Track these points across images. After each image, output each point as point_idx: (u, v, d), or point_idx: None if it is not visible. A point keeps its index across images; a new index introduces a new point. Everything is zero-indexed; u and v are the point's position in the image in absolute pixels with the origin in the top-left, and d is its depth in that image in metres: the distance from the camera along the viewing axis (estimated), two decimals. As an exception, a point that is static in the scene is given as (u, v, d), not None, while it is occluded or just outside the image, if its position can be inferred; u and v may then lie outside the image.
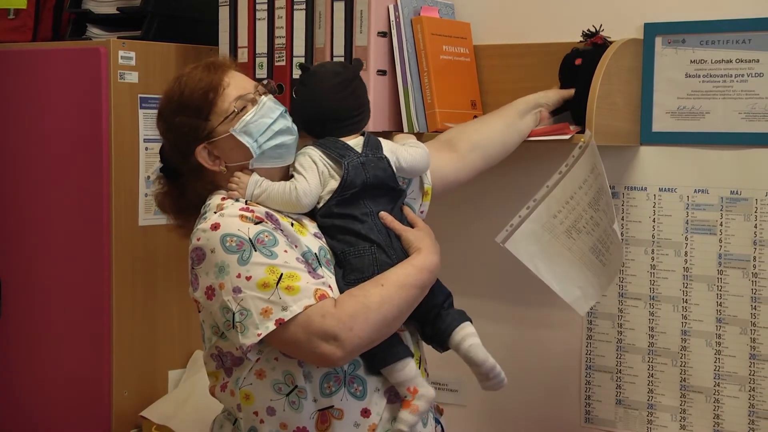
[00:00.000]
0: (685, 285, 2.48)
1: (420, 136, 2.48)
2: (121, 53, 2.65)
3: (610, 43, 2.39)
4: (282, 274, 1.92)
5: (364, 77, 2.20)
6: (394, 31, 2.49)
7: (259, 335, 1.91)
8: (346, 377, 2.01)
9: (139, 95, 2.69)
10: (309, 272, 1.96)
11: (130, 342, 2.70)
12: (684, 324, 2.48)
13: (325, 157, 2.09)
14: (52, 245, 2.76)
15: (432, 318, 2.10)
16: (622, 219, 2.53)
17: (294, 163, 2.11)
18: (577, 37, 2.43)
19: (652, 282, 2.52)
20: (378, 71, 2.48)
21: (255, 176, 2.07)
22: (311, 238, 2.05)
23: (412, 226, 2.12)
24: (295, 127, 2.12)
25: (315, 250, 2.03)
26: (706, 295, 2.45)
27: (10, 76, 2.80)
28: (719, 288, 2.44)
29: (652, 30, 2.46)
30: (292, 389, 1.99)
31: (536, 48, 2.55)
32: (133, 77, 2.68)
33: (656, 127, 2.48)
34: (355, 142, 2.12)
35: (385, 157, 2.12)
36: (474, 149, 2.36)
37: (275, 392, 2.00)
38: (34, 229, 2.79)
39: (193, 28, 2.83)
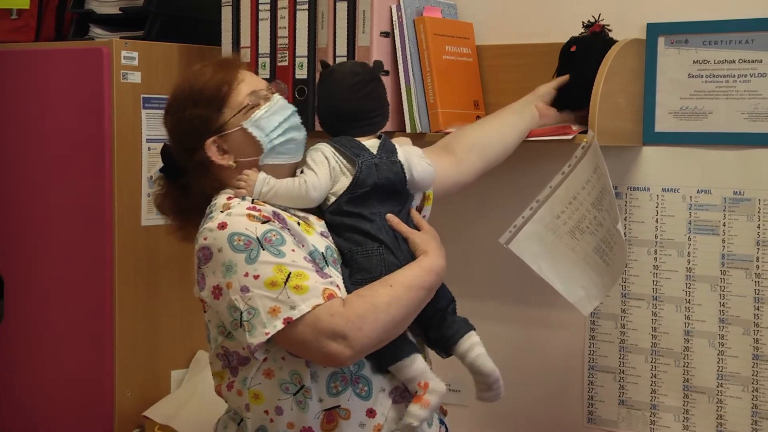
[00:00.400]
0: (688, 285, 2.48)
1: (422, 136, 2.48)
2: (123, 53, 2.65)
3: (609, 31, 2.39)
4: (290, 273, 1.92)
5: (366, 77, 2.20)
6: (396, 32, 2.49)
7: (266, 334, 1.91)
8: (352, 377, 2.01)
9: (142, 95, 2.69)
10: (317, 271, 1.96)
11: (132, 342, 2.70)
12: (687, 324, 2.48)
13: (337, 154, 2.09)
14: (54, 245, 2.76)
15: (436, 323, 2.10)
16: (625, 219, 2.53)
17: (305, 158, 2.12)
18: (580, 38, 2.44)
19: (655, 282, 2.52)
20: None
21: (263, 174, 2.07)
22: (318, 237, 2.05)
23: (418, 229, 2.12)
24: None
25: (321, 249, 2.03)
26: (709, 296, 2.45)
27: (12, 77, 2.80)
28: (722, 288, 2.44)
29: (654, 30, 2.46)
30: (299, 389, 1.99)
31: (538, 48, 2.55)
32: (135, 77, 2.68)
33: (659, 127, 2.47)
34: (371, 143, 2.13)
35: (399, 161, 2.12)
36: (471, 151, 2.36)
37: (282, 392, 2.00)
38: (36, 229, 2.79)
39: (195, 28, 2.83)
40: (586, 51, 2.36)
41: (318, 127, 2.22)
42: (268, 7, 2.59)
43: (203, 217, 2.06)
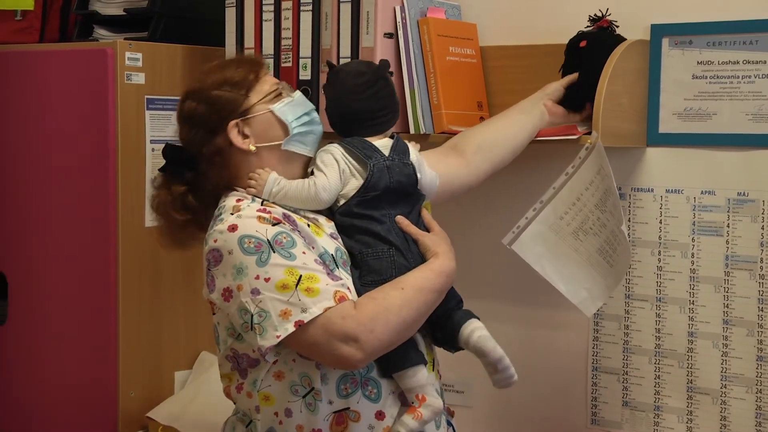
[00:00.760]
0: (692, 286, 2.47)
1: (426, 138, 2.48)
2: (127, 54, 2.65)
3: (617, 26, 2.39)
4: (301, 276, 1.92)
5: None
6: (400, 32, 2.49)
7: (278, 337, 1.91)
8: (362, 379, 2.02)
9: (146, 96, 2.69)
10: (327, 274, 1.96)
11: (136, 343, 2.70)
12: (690, 325, 2.48)
13: (347, 155, 2.09)
14: (58, 247, 2.76)
15: (444, 322, 2.10)
16: (629, 220, 2.53)
17: (315, 159, 2.12)
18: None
19: (659, 283, 2.51)
20: (384, 72, 2.48)
21: (274, 174, 2.08)
22: (327, 239, 2.05)
23: (428, 230, 2.12)
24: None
25: (331, 251, 2.03)
26: (712, 297, 2.45)
27: (16, 78, 2.80)
28: (726, 290, 2.44)
29: (659, 31, 2.46)
30: (308, 391, 1.99)
31: (542, 49, 2.55)
32: (139, 78, 2.68)
33: (663, 128, 2.47)
34: (383, 143, 2.12)
35: (411, 163, 2.12)
36: (478, 152, 2.35)
37: (292, 394, 2.00)
38: (40, 230, 2.79)
39: (199, 29, 2.83)
40: (597, 48, 2.35)
41: (327, 128, 2.22)
42: (272, 8, 2.59)
43: (212, 219, 2.06)
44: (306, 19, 2.55)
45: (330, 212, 2.11)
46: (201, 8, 2.85)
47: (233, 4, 2.63)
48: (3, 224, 2.86)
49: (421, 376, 2.04)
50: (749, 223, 2.40)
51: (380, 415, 2.03)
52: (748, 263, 2.41)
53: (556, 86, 2.41)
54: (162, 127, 2.70)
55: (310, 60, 2.55)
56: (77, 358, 2.74)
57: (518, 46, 2.62)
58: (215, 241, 1.99)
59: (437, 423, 2.10)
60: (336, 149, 2.10)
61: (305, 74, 2.55)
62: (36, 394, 2.83)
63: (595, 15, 2.42)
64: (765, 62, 2.36)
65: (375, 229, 2.05)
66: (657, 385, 2.53)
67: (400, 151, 2.13)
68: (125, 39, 2.71)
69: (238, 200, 2.06)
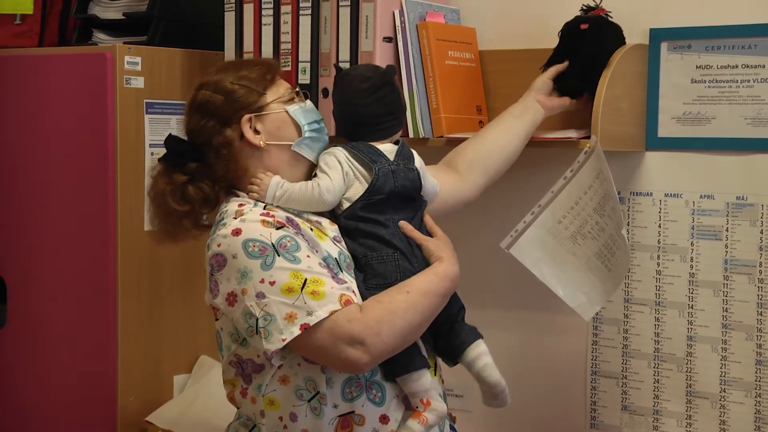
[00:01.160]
0: (691, 290, 2.47)
1: (425, 142, 2.48)
2: (126, 58, 2.65)
3: (611, 18, 2.39)
4: (306, 279, 1.92)
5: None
6: (399, 37, 2.49)
7: (283, 340, 1.90)
8: (366, 383, 2.02)
9: (145, 100, 2.69)
10: (332, 277, 1.96)
11: (135, 347, 2.70)
12: (690, 330, 2.48)
13: (351, 158, 2.09)
14: (58, 251, 2.76)
15: (446, 331, 2.10)
16: (628, 224, 2.53)
17: (319, 162, 2.12)
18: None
19: (658, 287, 2.51)
20: (383, 76, 2.47)
21: (277, 177, 2.08)
22: (330, 243, 2.05)
23: (430, 235, 2.12)
24: None
25: (335, 255, 2.03)
26: (711, 301, 2.45)
27: (16, 81, 2.80)
28: (725, 294, 2.44)
29: (657, 35, 2.46)
30: (313, 395, 1.99)
31: (541, 53, 2.54)
32: (138, 82, 2.68)
33: (662, 132, 2.47)
34: (388, 148, 2.12)
35: (416, 169, 2.13)
36: (472, 167, 2.36)
37: (297, 398, 2.00)
38: (40, 233, 2.79)
39: (198, 33, 2.83)
40: (601, 29, 2.34)
41: (332, 132, 2.23)
42: (271, 12, 2.59)
43: (214, 225, 2.06)
44: (305, 23, 2.55)
45: (333, 216, 2.12)
46: (200, 12, 2.85)
47: (232, 8, 2.63)
48: (2, 228, 2.86)
49: (425, 380, 2.04)
50: (748, 227, 2.41)
51: (384, 419, 2.03)
52: (747, 267, 2.41)
53: (543, 80, 2.41)
54: (161, 131, 2.70)
55: (309, 64, 2.55)
56: (76, 361, 2.73)
57: (517, 51, 2.62)
58: (219, 245, 1.98)
59: (441, 427, 2.10)
60: (340, 152, 2.10)
61: (304, 78, 2.55)
62: (35, 398, 2.82)
63: (588, 5, 2.41)
64: (764, 66, 2.36)
65: (380, 233, 2.05)
66: (656, 389, 2.53)
67: (405, 156, 2.13)
68: (124, 43, 2.71)
69: (241, 205, 2.05)
